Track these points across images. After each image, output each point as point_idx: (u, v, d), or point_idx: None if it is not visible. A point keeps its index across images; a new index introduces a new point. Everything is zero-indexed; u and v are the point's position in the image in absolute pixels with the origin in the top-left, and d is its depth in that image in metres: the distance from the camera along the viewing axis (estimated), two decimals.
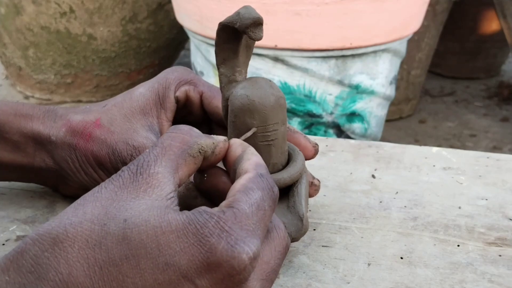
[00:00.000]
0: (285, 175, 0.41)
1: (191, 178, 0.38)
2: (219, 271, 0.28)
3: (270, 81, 0.41)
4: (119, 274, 0.28)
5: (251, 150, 0.35)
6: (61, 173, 0.47)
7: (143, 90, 0.47)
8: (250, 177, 0.32)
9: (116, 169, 0.45)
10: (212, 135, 0.35)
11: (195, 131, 0.34)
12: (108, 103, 0.47)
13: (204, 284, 0.29)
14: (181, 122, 0.49)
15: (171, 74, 0.47)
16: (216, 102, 0.47)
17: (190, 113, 0.48)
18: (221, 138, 0.35)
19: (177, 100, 0.47)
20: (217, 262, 0.28)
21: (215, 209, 0.30)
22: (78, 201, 0.30)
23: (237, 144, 0.36)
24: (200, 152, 0.33)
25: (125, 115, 0.46)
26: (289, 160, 0.43)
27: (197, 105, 0.47)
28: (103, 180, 0.45)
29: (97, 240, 0.28)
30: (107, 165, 0.45)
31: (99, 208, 0.29)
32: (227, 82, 0.42)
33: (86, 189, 0.47)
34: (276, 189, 0.33)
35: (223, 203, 0.31)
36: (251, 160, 0.34)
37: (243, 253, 0.29)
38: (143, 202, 0.29)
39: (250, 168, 0.33)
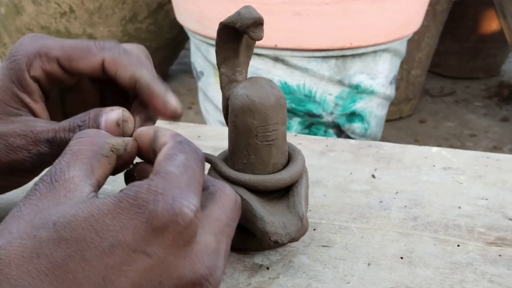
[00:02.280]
0: (285, 175, 0.41)
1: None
2: (167, 232, 0.28)
3: (270, 81, 0.41)
4: (67, 274, 0.27)
5: (163, 128, 0.35)
6: None
7: None
8: (169, 147, 0.32)
9: (10, 162, 0.39)
10: (121, 137, 0.35)
11: (103, 132, 0.34)
12: None
13: (156, 251, 0.28)
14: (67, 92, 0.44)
15: (20, 51, 0.41)
16: (76, 64, 0.40)
17: (64, 84, 0.42)
18: (129, 138, 0.35)
19: (36, 80, 0.40)
20: (162, 224, 0.28)
21: (143, 180, 0.30)
22: None
23: (147, 128, 0.35)
24: (112, 151, 0.33)
25: None
26: (289, 160, 0.43)
27: (64, 77, 0.41)
28: (9, 182, 0.42)
29: (33, 251, 0.27)
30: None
31: (23, 224, 0.28)
32: (227, 82, 0.42)
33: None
34: (200, 152, 0.33)
35: (150, 175, 0.31)
36: (166, 135, 0.34)
37: (184, 207, 0.28)
38: (65, 206, 0.29)
39: (167, 140, 0.33)
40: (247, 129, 0.40)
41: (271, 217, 0.40)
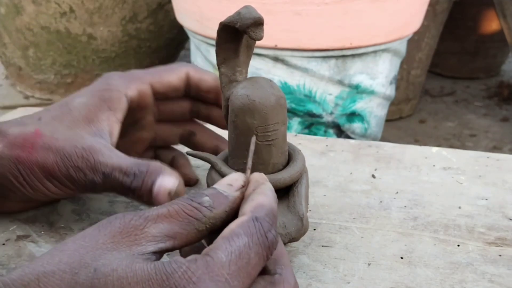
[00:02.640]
0: (285, 175, 0.41)
1: None
2: None
3: (270, 81, 0.41)
4: None
5: (262, 189, 0.33)
6: (1, 192, 0.44)
7: (84, 100, 0.45)
8: (241, 221, 0.30)
9: (66, 177, 0.42)
10: (230, 183, 0.33)
11: (206, 204, 0.32)
12: (43, 116, 0.45)
13: None
14: (132, 126, 0.49)
15: (114, 76, 0.47)
16: (166, 78, 0.49)
17: (143, 111, 0.49)
18: (236, 194, 0.33)
19: (130, 100, 0.46)
20: None
21: (189, 257, 0.29)
22: (58, 246, 0.30)
23: (253, 181, 0.34)
24: (206, 227, 0.31)
25: (68, 126, 0.43)
26: (289, 160, 0.43)
27: (150, 101, 0.48)
28: (51, 192, 0.43)
29: None
30: (55, 173, 0.42)
31: (75, 256, 0.29)
32: (227, 82, 0.42)
33: (31, 201, 0.45)
34: (271, 235, 0.30)
35: (204, 251, 0.30)
36: (254, 201, 0.32)
37: None
38: (119, 254, 0.29)
39: (247, 211, 0.31)
40: (247, 129, 0.40)
41: None
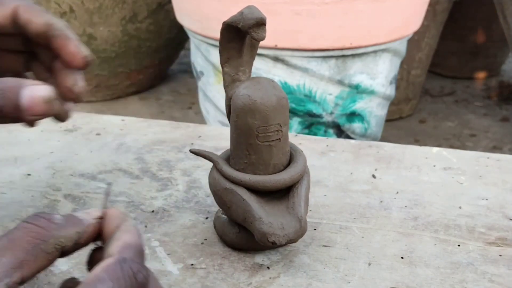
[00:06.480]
0: (286, 176, 0.41)
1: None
2: None
3: (273, 81, 0.41)
4: None
5: (126, 226, 0.31)
6: None
7: None
8: (107, 265, 0.28)
9: None
10: (87, 212, 0.32)
11: (56, 220, 0.30)
12: None
13: None
14: None
15: None
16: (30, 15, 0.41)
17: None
18: (92, 221, 0.31)
19: None
20: None
21: None
22: None
23: (114, 216, 0.32)
24: (56, 248, 0.29)
25: None
26: (290, 161, 0.43)
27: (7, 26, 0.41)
28: None
29: None
30: None
31: None
32: (230, 81, 0.42)
33: None
34: (141, 276, 0.28)
35: None
36: (120, 241, 0.30)
37: None
38: None
39: (114, 252, 0.29)
40: (248, 129, 0.40)
41: (269, 217, 0.40)
